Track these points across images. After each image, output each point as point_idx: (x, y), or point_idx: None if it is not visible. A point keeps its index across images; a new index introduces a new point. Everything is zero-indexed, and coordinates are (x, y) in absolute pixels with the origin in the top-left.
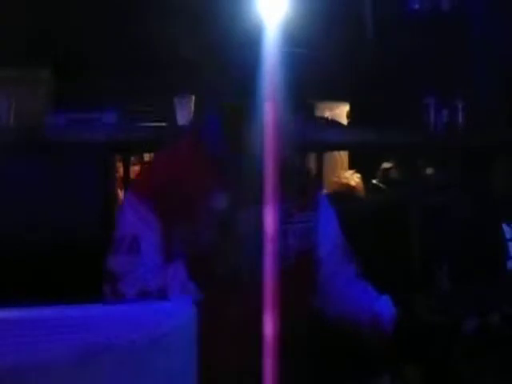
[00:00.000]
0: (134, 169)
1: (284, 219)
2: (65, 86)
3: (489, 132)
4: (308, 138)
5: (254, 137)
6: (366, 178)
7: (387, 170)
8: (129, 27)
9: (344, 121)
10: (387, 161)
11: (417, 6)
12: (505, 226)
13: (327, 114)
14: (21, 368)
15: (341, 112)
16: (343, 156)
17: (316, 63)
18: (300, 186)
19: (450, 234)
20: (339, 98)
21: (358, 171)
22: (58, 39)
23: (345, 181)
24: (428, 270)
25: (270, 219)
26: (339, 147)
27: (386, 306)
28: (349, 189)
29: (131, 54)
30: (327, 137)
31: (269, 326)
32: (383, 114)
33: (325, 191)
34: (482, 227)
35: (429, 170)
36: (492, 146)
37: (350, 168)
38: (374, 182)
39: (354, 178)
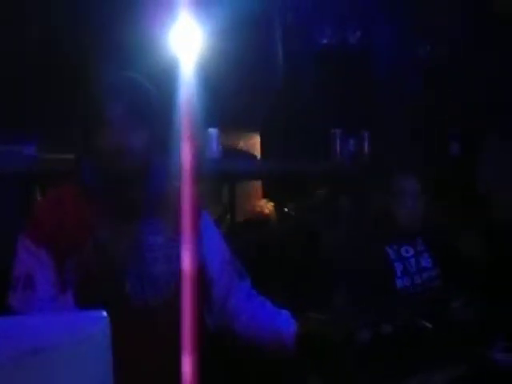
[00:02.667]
0: None
1: (166, 243)
2: None
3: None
4: (222, 167)
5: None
6: (279, 206)
7: (325, 194)
8: (48, 58)
9: (258, 151)
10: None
11: (325, 41)
12: (388, 249)
13: (241, 145)
14: None
15: (254, 142)
16: (257, 185)
17: (228, 95)
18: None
19: (343, 256)
20: (252, 128)
21: (271, 200)
22: None
23: (258, 209)
24: (329, 289)
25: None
26: (251, 177)
27: (286, 322)
28: (262, 217)
29: (53, 86)
30: (240, 167)
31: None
32: (292, 145)
33: (237, 219)
34: (367, 249)
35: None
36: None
37: (264, 197)
38: (286, 209)
39: (267, 207)
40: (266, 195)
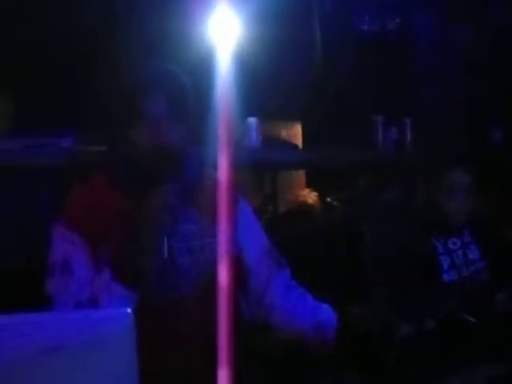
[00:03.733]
0: None
1: (201, 233)
2: (22, 110)
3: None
4: (263, 157)
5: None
6: (324, 196)
7: (367, 184)
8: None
9: (299, 140)
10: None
11: (365, 28)
12: (435, 242)
13: (283, 134)
14: None
15: (296, 131)
16: (300, 174)
17: (269, 84)
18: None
19: (387, 249)
20: (293, 117)
21: (314, 189)
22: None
23: (302, 199)
24: (370, 282)
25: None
26: (291, 167)
27: (328, 315)
28: (306, 207)
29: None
30: (281, 156)
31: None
32: (334, 133)
33: (279, 209)
34: (414, 243)
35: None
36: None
37: (307, 186)
38: (329, 200)
39: (311, 196)
40: (309, 185)
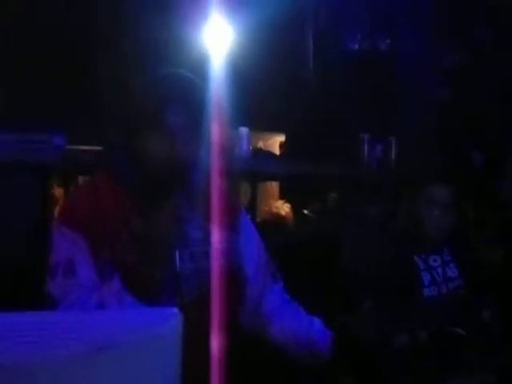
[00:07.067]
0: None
1: (203, 240)
2: (15, 106)
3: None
4: (243, 167)
5: (165, 160)
6: (296, 208)
7: (336, 199)
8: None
9: (276, 151)
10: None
11: (356, 46)
12: (416, 258)
13: (260, 145)
14: (22, 366)
15: (273, 143)
16: (274, 186)
17: (255, 95)
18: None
19: (370, 263)
20: (276, 129)
21: (288, 201)
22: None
23: (275, 210)
24: (354, 295)
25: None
26: (273, 177)
27: (321, 331)
28: (279, 218)
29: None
30: (262, 167)
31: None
32: (318, 148)
33: (257, 219)
34: (396, 259)
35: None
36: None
37: (281, 198)
38: (305, 212)
39: (284, 208)
40: (283, 197)
